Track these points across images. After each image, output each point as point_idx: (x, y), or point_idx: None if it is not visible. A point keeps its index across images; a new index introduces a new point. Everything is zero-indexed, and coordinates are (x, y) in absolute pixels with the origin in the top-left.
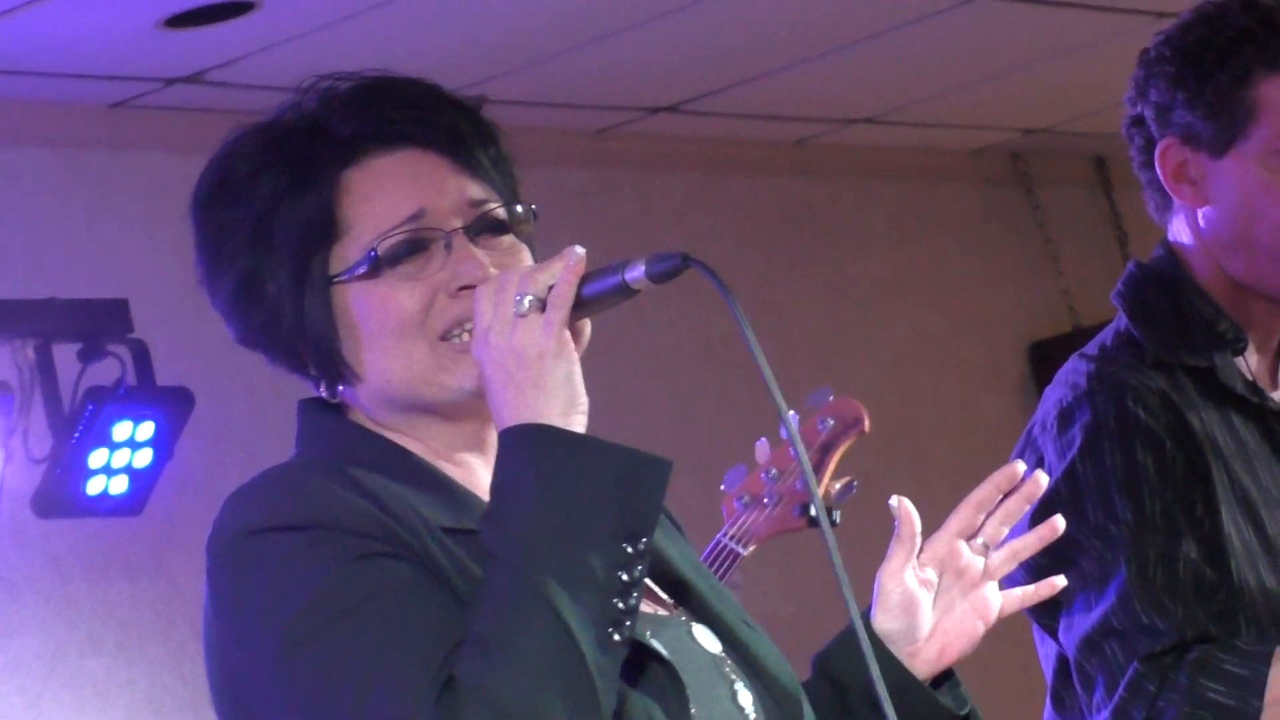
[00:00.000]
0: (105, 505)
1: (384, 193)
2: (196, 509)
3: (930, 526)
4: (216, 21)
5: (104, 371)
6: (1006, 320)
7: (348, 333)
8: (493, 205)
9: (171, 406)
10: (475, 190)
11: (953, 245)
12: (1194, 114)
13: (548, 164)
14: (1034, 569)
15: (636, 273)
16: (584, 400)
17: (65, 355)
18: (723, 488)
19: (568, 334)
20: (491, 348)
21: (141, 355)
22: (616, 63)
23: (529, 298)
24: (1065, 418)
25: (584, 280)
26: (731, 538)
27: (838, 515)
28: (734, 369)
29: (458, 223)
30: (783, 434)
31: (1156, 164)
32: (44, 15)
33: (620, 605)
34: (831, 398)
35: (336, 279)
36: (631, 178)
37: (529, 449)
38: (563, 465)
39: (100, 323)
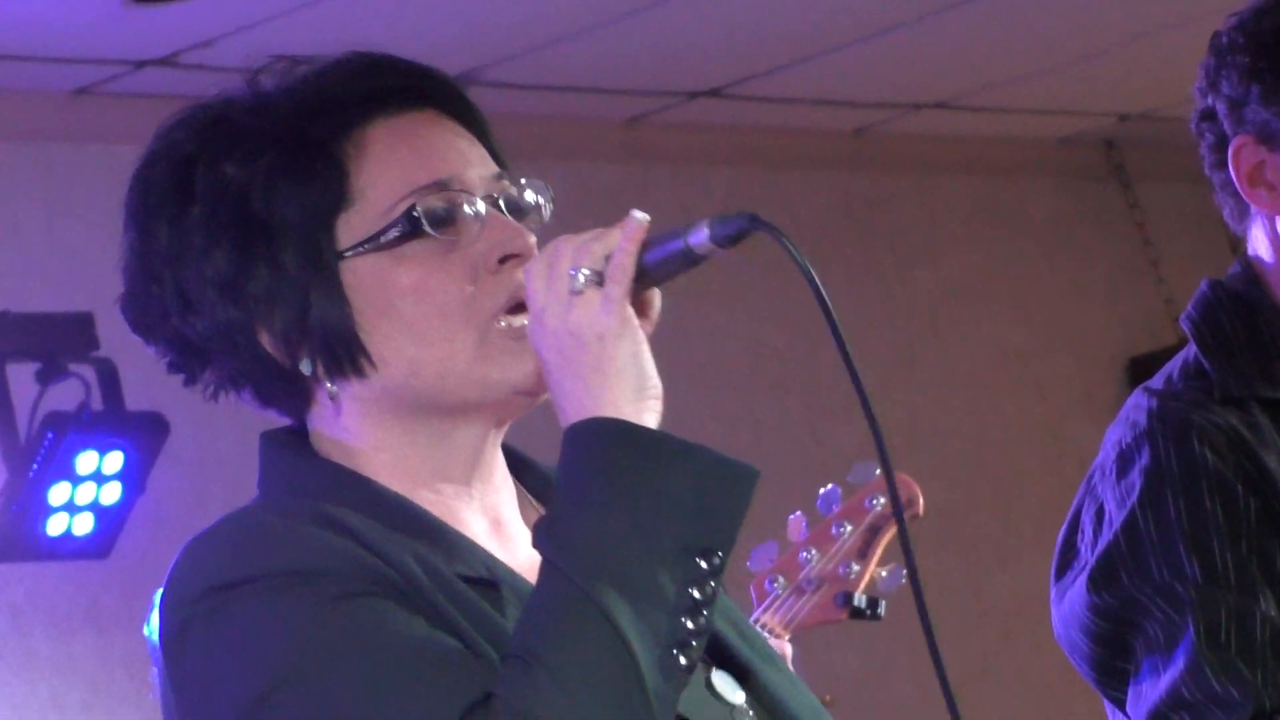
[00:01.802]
0: (68, 547)
1: (406, 153)
2: (171, 551)
3: (1016, 568)
4: None
5: (66, 395)
6: (1100, 333)
7: (367, 316)
8: (514, 185)
9: (143, 434)
10: (495, 165)
11: (1037, 248)
12: (1271, 110)
13: (571, 158)
14: (1098, 635)
15: (700, 236)
16: (656, 384)
17: (21, 376)
18: (750, 566)
19: (630, 310)
20: (548, 331)
21: (108, 376)
22: (650, 41)
23: (584, 271)
24: (1124, 461)
25: (644, 248)
26: (763, 626)
27: (883, 607)
28: (786, 385)
29: (486, 191)
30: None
31: (1230, 165)
32: None
33: (689, 625)
34: (879, 472)
35: (351, 252)
36: (667, 173)
37: (595, 446)
38: (633, 466)
39: (61, 339)
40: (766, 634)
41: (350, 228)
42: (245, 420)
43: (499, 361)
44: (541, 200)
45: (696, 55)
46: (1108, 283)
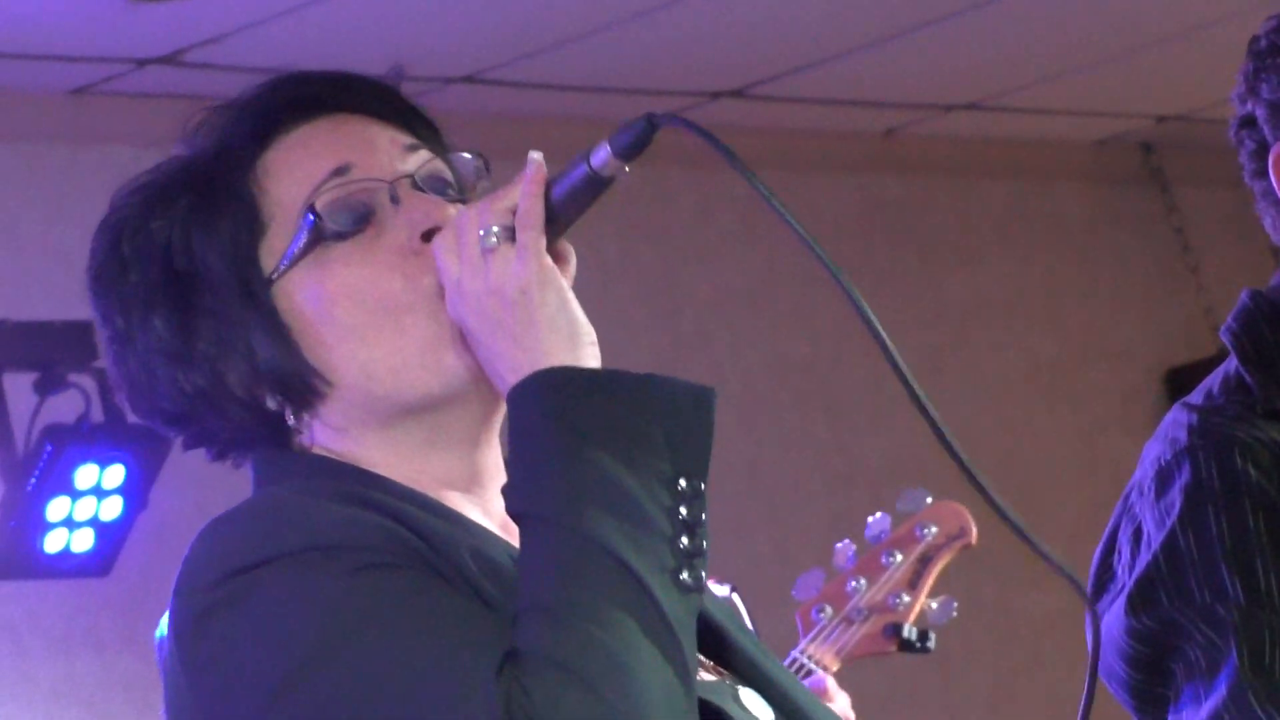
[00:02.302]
0: (67, 565)
1: (301, 160)
2: (174, 569)
3: (1048, 585)
4: None
5: (64, 406)
6: (1137, 343)
7: (306, 334)
8: (434, 155)
9: (144, 447)
10: (408, 138)
11: (1072, 254)
12: None
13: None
14: (1136, 660)
15: (601, 155)
16: (589, 330)
17: (19, 387)
18: (795, 594)
19: (548, 259)
20: (468, 297)
21: (109, 387)
22: (669, 39)
23: (495, 229)
24: (1163, 479)
25: (549, 189)
26: (809, 656)
27: (933, 639)
28: (810, 397)
29: (398, 172)
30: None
31: (1271, 173)
32: None
33: (686, 543)
34: (929, 500)
35: (275, 275)
36: (688, 176)
37: (546, 398)
38: (591, 409)
39: (59, 349)
40: (813, 665)
41: (271, 252)
42: None
43: (453, 345)
44: (471, 172)
45: (719, 53)
46: (1145, 291)
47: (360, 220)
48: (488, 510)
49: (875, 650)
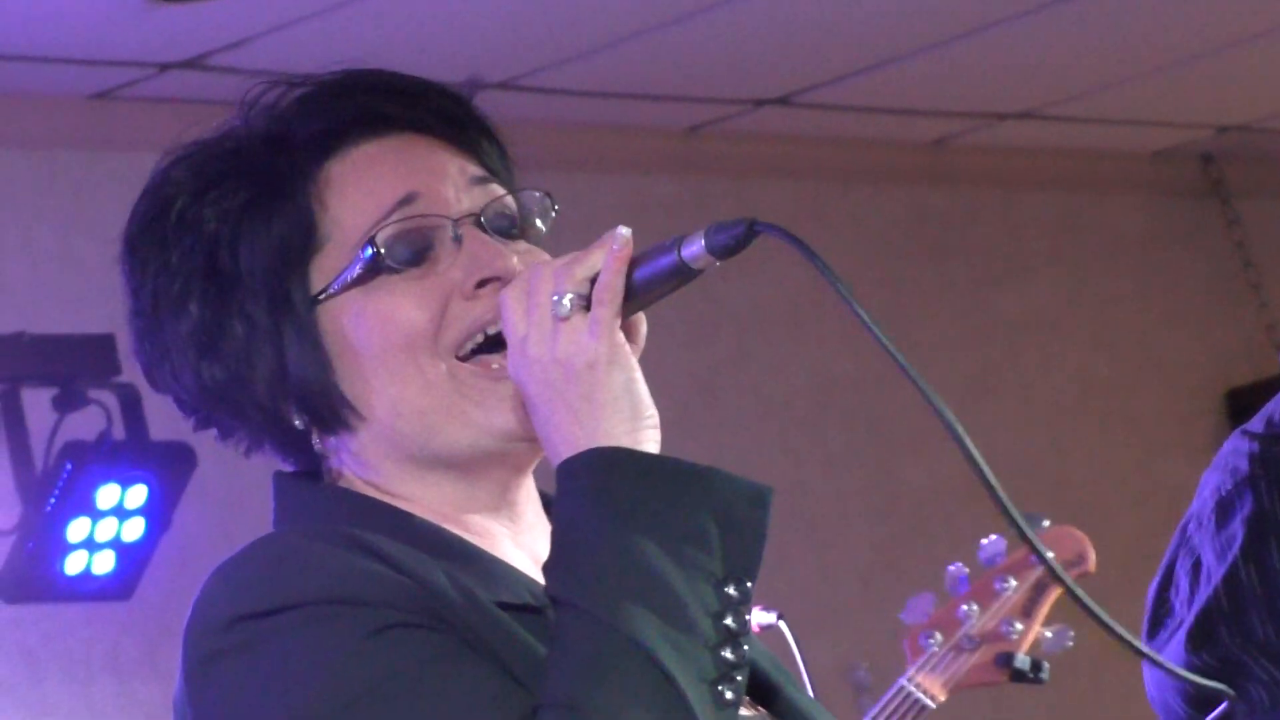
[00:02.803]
0: (87, 587)
1: (367, 182)
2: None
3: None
4: None
5: (85, 423)
6: (1195, 363)
7: (344, 361)
8: (503, 191)
9: (168, 466)
10: (477, 168)
11: (1127, 270)
12: None
13: (625, 169)
14: (1196, 699)
15: (694, 248)
16: (652, 411)
17: (37, 403)
18: (903, 618)
19: (621, 335)
20: (531, 362)
21: (131, 403)
22: (712, 45)
23: (569, 296)
24: (1224, 510)
25: (632, 266)
26: (917, 685)
27: (1046, 670)
28: (855, 417)
29: (464, 209)
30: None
31: None
32: None
33: (729, 657)
34: (1047, 524)
35: (322, 296)
36: (729, 186)
37: (596, 479)
38: (645, 495)
39: (80, 363)
40: (921, 695)
41: (322, 271)
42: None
43: (478, 402)
44: (536, 211)
45: (762, 60)
46: (1204, 308)
47: (418, 255)
48: (519, 542)
49: (986, 680)
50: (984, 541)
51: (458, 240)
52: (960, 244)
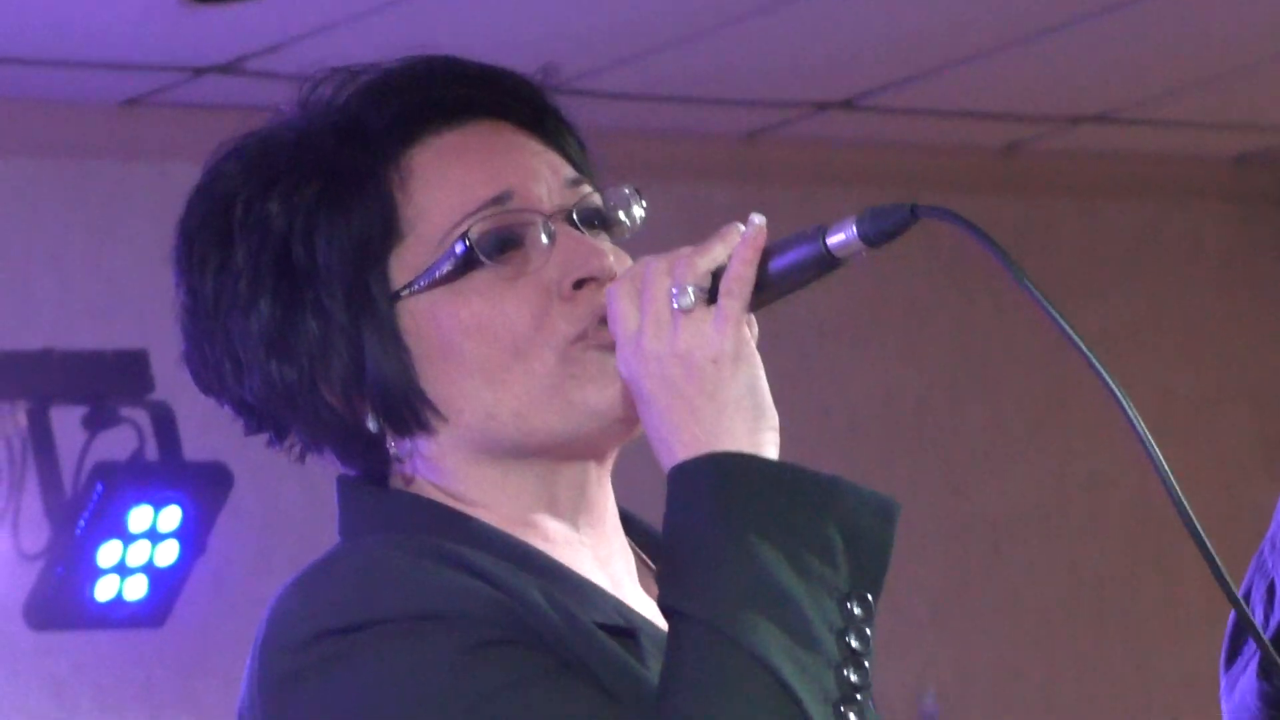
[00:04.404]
0: (119, 614)
1: (456, 173)
2: (235, 619)
3: (1186, 643)
4: None
5: (117, 442)
6: None
7: (429, 361)
8: (591, 189)
9: (203, 487)
10: (570, 170)
11: (1209, 281)
12: None
13: (684, 176)
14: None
15: (843, 236)
16: (773, 414)
17: (67, 422)
18: None
19: (748, 331)
20: (647, 356)
21: (164, 422)
22: (773, 47)
23: (691, 288)
24: None
25: (765, 257)
26: None
27: None
28: (923, 434)
29: (555, 204)
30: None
31: None
32: None
33: (852, 679)
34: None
35: (406, 292)
36: (791, 193)
37: (715, 482)
38: (768, 505)
39: (111, 380)
40: None
41: (404, 265)
42: (311, 472)
43: (580, 381)
44: (627, 210)
45: (826, 62)
46: None
47: (511, 253)
48: (599, 556)
49: None
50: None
51: (550, 238)
52: (1033, 255)
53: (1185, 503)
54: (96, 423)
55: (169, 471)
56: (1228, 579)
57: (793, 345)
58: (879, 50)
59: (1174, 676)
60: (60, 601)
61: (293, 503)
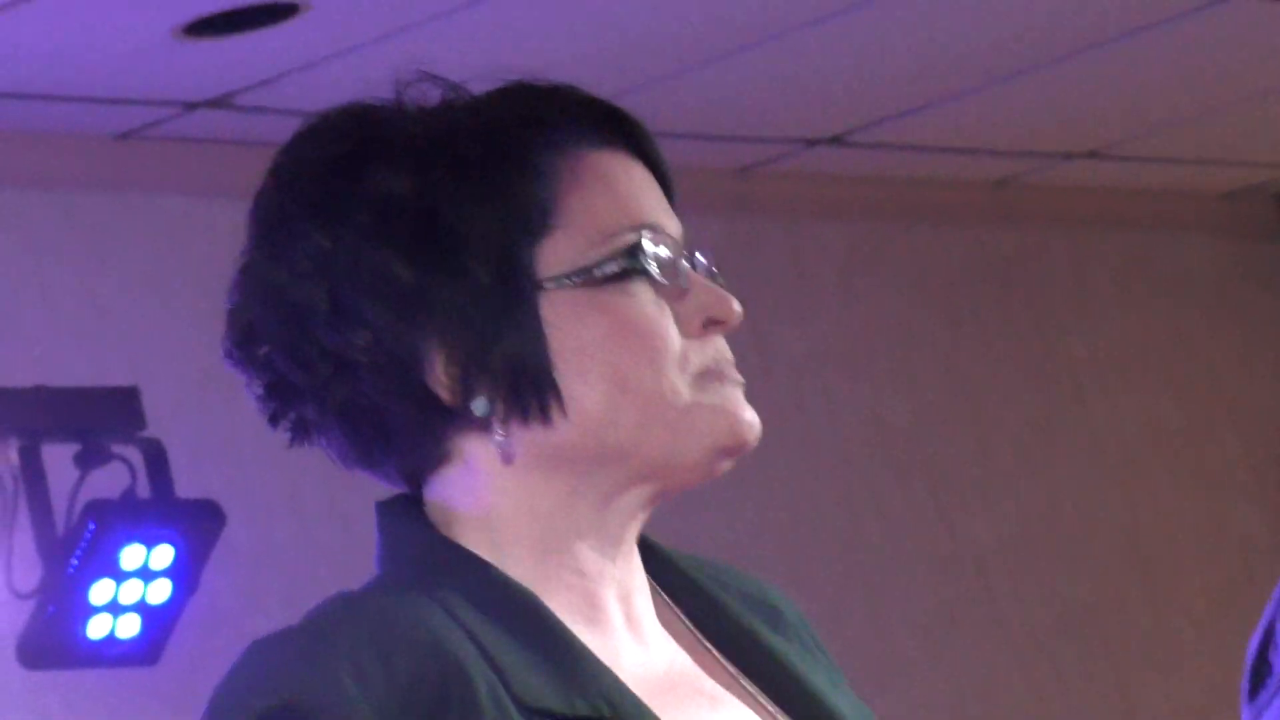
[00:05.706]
0: (112, 652)
1: (622, 187)
2: (227, 657)
3: (1174, 676)
4: (252, 28)
5: (108, 480)
6: (1270, 411)
7: (565, 355)
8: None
9: (195, 525)
10: (675, 215)
11: (1199, 314)
12: None
13: (675, 210)
14: None
15: None
16: None
17: (58, 459)
18: None
19: None
20: None
21: (156, 459)
22: (764, 82)
23: None
24: None
25: None
26: None
27: None
28: (911, 467)
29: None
30: None
31: None
32: (27, 19)
33: None
34: None
35: (554, 284)
36: (781, 227)
37: None
38: None
39: (103, 417)
40: None
41: (554, 257)
42: (301, 508)
43: (709, 409)
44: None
45: (816, 97)
46: (1278, 354)
47: (665, 275)
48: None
49: None
50: None
51: (687, 275)
52: (1024, 287)
53: None
54: (88, 460)
55: (161, 509)
56: None
57: (783, 377)
58: (869, 86)
59: (1162, 707)
60: (52, 640)
61: (279, 539)
